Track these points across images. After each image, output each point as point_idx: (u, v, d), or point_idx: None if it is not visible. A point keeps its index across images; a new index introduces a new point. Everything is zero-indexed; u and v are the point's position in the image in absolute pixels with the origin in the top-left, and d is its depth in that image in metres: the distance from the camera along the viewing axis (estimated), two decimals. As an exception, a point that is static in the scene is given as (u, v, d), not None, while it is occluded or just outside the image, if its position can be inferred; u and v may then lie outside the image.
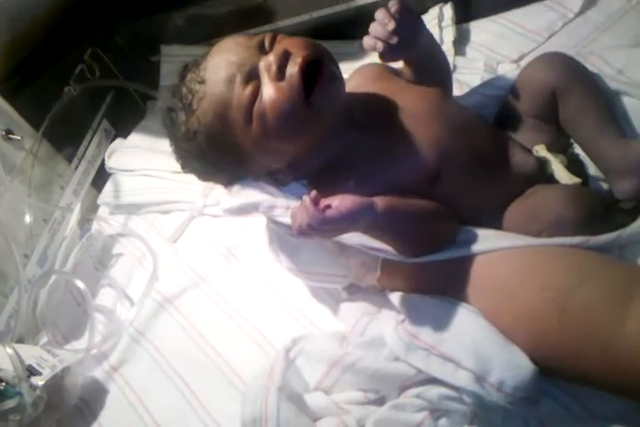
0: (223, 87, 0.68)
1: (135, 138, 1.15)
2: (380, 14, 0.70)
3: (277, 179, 0.75)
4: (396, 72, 0.81)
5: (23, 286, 0.91)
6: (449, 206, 0.71)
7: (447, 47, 1.04)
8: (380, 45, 0.70)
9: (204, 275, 0.94)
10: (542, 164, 0.76)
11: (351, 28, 1.14)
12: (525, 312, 0.63)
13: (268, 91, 0.67)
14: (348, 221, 0.61)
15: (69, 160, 1.11)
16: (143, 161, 1.09)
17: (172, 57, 1.21)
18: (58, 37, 1.09)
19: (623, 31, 0.96)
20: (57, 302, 0.96)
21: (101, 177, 1.15)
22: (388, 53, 0.71)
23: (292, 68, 0.67)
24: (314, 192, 0.61)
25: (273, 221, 0.76)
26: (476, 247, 0.67)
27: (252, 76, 0.68)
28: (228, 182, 0.77)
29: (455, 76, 0.93)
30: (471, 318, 0.65)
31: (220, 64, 0.69)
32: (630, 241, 0.67)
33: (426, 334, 0.65)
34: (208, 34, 1.22)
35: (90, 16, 1.14)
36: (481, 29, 1.09)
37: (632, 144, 0.73)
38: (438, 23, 1.08)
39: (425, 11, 1.11)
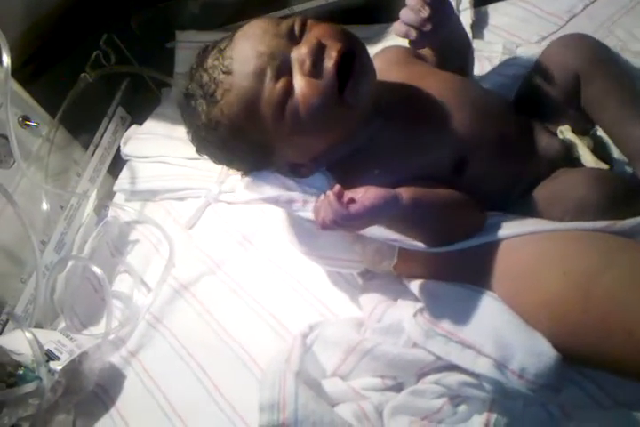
0: (253, 81, 0.65)
1: (150, 125, 1.14)
2: (412, 1, 0.68)
3: (299, 171, 0.73)
4: (418, 55, 0.80)
5: (41, 271, 0.92)
6: (475, 192, 0.69)
7: (466, 31, 1.02)
8: (413, 33, 0.68)
9: (219, 261, 0.93)
10: (568, 146, 0.74)
11: (368, 11, 1.14)
12: (547, 298, 0.61)
13: (302, 87, 0.65)
14: (373, 214, 0.60)
15: (85, 147, 1.11)
16: (159, 148, 1.08)
17: (187, 43, 1.20)
18: (73, 24, 1.09)
19: (647, 12, 0.94)
20: (74, 288, 0.97)
21: (117, 164, 1.14)
22: (421, 41, 0.69)
23: (327, 63, 0.64)
24: (337, 186, 0.60)
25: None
26: (497, 234, 0.66)
27: (284, 70, 0.65)
28: (244, 171, 0.76)
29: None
30: (491, 304, 0.64)
31: (248, 54, 0.66)
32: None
33: (445, 321, 0.65)
34: (224, 19, 1.21)
35: (105, 2, 1.13)
36: (500, 12, 1.07)
37: None
38: (456, 6, 1.06)
39: (443, -6, 1.09)
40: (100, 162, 1.12)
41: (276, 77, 0.65)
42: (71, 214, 1.03)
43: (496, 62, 0.93)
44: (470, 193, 0.69)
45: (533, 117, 0.78)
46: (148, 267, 0.98)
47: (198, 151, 0.76)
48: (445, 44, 0.75)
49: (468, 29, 1.03)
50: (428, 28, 0.67)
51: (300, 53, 0.65)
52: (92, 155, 1.10)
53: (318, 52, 0.64)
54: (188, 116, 0.73)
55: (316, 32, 0.66)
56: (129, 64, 1.20)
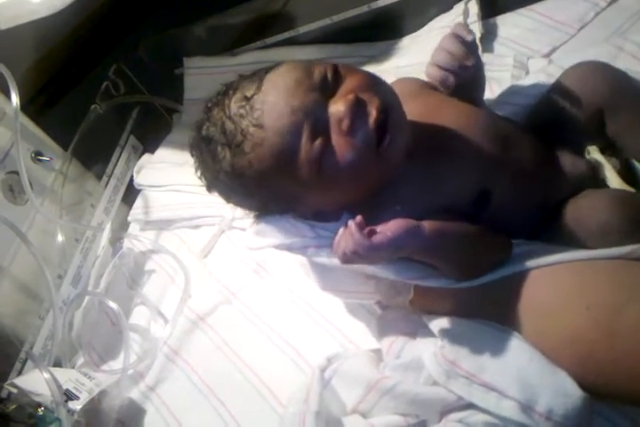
0: (288, 138, 0.62)
1: (162, 153, 1.14)
2: (450, 43, 0.66)
3: (324, 217, 0.70)
4: (432, 85, 0.77)
5: (58, 307, 0.92)
6: (500, 221, 0.67)
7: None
8: (451, 79, 0.66)
9: (235, 290, 0.92)
10: (594, 167, 0.72)
11: (372, 30, 1.12)
12: (571, 334, 0.59)
13: (341, 147, 0.62)
14: (396, 245, 0.58)
15: (99, 178, 1.11)
16: (171, 176, 1.08)
17: (195, 69, 1.20)
18: (81, 56, 1.10)
19: (660, 19, 0.92)
20: (92, 323, 0.96)
21: (131, 193, 1.15)
22: (455, 86, 0.68)
23: (366, 122, 0.62)
24: (359, 217, 0.58)
25: None
26: (518, 266, 0.64)
27: (321, 129, 0.62)
28: (256, 212, 0.73)
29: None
30: (514, 342, 0.62)
31: (282, 110, 0.62)
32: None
33: (466, 362, 0.62)
34: (230, 43, 1.21)
35: (111, 33, 1.14)
36: (508, 24, 1.05)
37: None
38: (464, 20, 1.04)
39: (449, 7, 1.08)
40: (114, 192, 1.12)
41: (313, 136, 0.62)
42: (87, 247, 1.03)
43: (505, 85, 0.90)
44: (496, 223, 0.67)
45: (555, 141, 0.75)
46: (165, 298, 0.98)
47: (209, 189, 0.73)
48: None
49: (477, 43, 1.01)
50: (467, 74, 0.66)
51: (337, 111, 0.62)
52: (106, 186, 1.11)
53: (356, 109, 0.61)
54: (204, 158, 0.69)
55: (350, 83, 0.63)
56: (138, 92, 1.20)
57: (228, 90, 0.67)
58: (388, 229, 0.58)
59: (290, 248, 0.69)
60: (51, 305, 0.90)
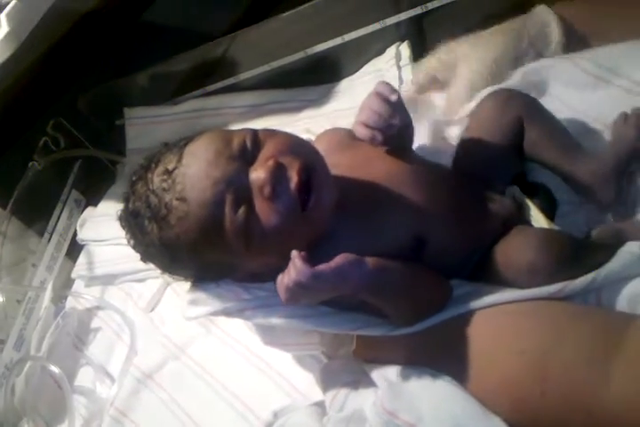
0: (211, 210, 0.62)
1: (105, 206, 1.13)
2: (374, 102, 0.68)
3: (260, 278, 0.69)
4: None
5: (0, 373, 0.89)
6: (437, 264, 0.68)
7: (407, 86, 1.03)
8: (379, 137, 0.68)
9: (183, 345, 0.91)
10: (520, 205, 0.74)
11: (310, 74, 1.14)
12: (505, 381, 0.59)
13: (264, 212, 0.62)
14: (338, 276, 0.59)
15: (40, 235, 1.09)
16: (114, 229, 1.05)
17: (136, 119, 1.20)
18: (17, 113, 1.09)
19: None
20: (36, 387, 0.93)
21: (76, 247, 1.13)
22: (385, 143, 0.69)
23: (288, 186, 0.62)
24: (303, 252, 0.59)
25: None
26: (453, 311, 0.64)
27: (243, 197, 0.62)
28: (191, 280, 0.73)
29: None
30: (448, 389, 0.62)
31: (203, 182, 0.62)
32: (606, 282, 0.64)
33: (404, 412, 0.62)
34: (172, 92, 1.22)
35: (47, 88, 1.13)
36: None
37: (600, 156, 0.73)
38: (396, 62, 1.07)
39: (382, 51, 1.10)
40: (57, 249, 1.10)
41: (236, 205, 0.62)
42: (29, 308, 1.01)
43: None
44: (432, 265, 0.68)
45: (477, 178, 0.77)
46: (111, 356, 0.96)
47: (143, 260, 0.72)
48: None
49: (410, 85, 1.04)
50: (394, 130, 0.68)
51: (257, 178, 0.62)
52: (48, 242, 1.09)
53: (277, 175, 0.61)
54: (133, 232, 0.69)
55: (270, 148, 0.64)
56: (79, 146, 1.19)
57: (150, 163, 0.67)
58: (332, 261, 0.58)
59: (227, 313, 0.69)
60: (-9, 372, 0.87)
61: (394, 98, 0.68)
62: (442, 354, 0.65)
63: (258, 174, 0.62)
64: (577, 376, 0.56)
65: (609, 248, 0.66)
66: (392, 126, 0.68)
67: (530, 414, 0.58)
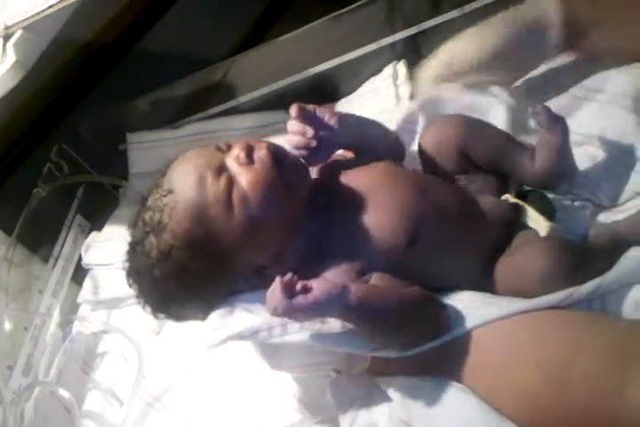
0: (195, 188, 0.68)
1: (109, 229, 1.13)
2: (294, 126, 0.75)
3: (265, 275, 0.70)
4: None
5: (9, 400, 0.89)
6: (434, 270, 0.69)
7: (405, 105, 1.04)
8: (304, 154, 0.74)
9: (190, 366, 0.91)
10: (517, 207, 0.75)
11: (309, 95, 1.15)
12: (523, 393, 0.59)
13: (243, 175, 0.68)
14: (317, 306, 0.59)
15: (46, 260, 1.09)
16: (118, 253, 1.06)
17: (138, 144, 1.21)
18: (19, 140, 1.10)
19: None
20: (45, 413, 0.93)
21: (82, 272, 1.13)
22: (315, 158, 0.75)
23: (260, 152, 0.70)
24: (288, 275, 0.59)
25: None
26: (463, 327, 0.63)
27: (222, 170, 0.69)
28: (204, 310, 0.72)
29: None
30: (463, 398, 0.61)
31: (187, 169, 0.70)
32: (611, 288, 0.64)
33: (418, 421, 0.61)
34: (173, 116, 1.23)
35: (49, 115, 1.14)
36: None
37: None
38: (393, 81, 1.08)
39: (379, 70, 1.12)
40: (62, 274, 1.10)
41: (217, 176, 0.68)
42: (36, 334, 1.00)
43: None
44: (431, 270, 0.69)
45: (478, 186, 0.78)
46: (119, 380, 0.95)
47: (155, 314, 0.76)
48: (353, 143, 0.79)
49: (407, 103, 1.05)
50: (314, 144, 0.74)
51: (233, 152, 0.71)
52: (53, 268, 1.09)
53: (249, 148, 0.70)
54: (136, 265, 0.73)
55: (241, 142, 0.72)
56: (82, 171, 1.20)
57: (143, 196, 0.74)
58: (312, 293, 0.58)
59: (241, 337, 0.66)
60: (0, 400, 0.86)
61: (294, 113, 0.73)
62: (456, 367, 0.63)
63: (232, 152, 0.71)
64: (598, 387, 0.55)
65: (609, 252, 0.67)
66: (310, 141, 0.74)
67: (549, 425, 0.57)
